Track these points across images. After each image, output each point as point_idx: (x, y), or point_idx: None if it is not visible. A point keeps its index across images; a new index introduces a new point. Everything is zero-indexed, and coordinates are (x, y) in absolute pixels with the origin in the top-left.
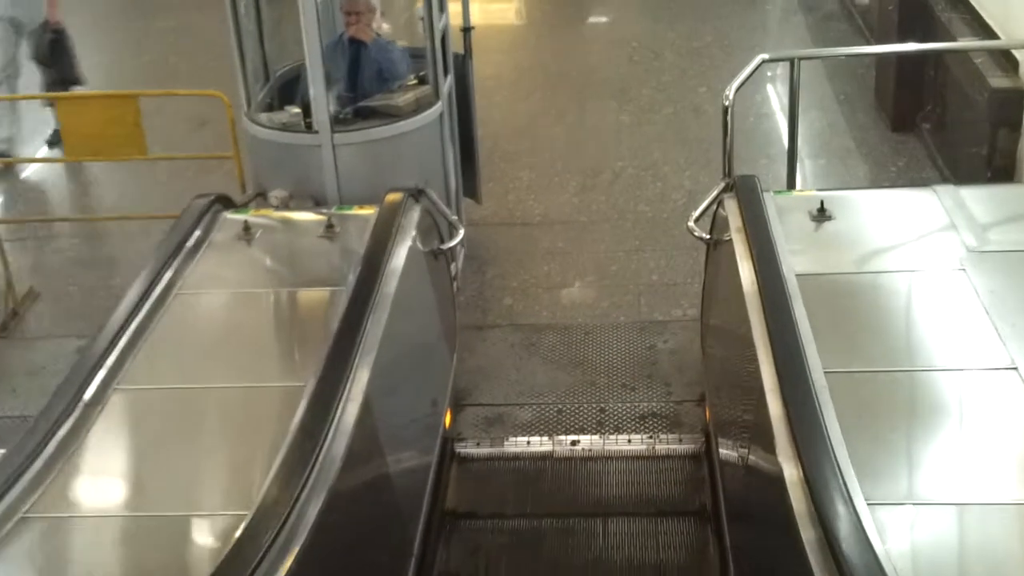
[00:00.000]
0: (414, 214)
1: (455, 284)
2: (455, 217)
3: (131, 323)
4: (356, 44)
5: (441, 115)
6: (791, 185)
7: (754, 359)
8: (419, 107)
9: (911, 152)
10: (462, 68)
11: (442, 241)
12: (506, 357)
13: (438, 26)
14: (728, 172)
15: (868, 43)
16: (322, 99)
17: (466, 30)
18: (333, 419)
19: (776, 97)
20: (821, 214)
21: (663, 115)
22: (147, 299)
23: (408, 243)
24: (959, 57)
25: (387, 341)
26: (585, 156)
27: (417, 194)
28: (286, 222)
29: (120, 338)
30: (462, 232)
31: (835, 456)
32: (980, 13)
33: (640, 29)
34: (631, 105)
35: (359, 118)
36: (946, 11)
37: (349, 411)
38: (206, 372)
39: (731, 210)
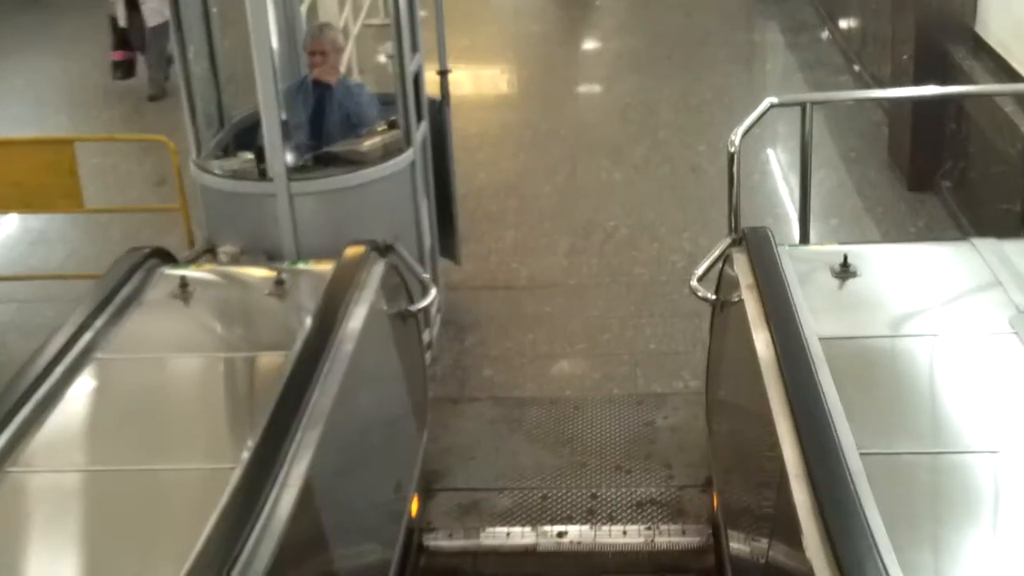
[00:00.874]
0: (378, 270)
1: (429, 352)
2: (427, 275)
3: (35, 392)
4: (321, 87)
5: (413, 164)
6: (804, 241)
7: (773, 438)
8: (387, 154)
9: (931, 212)
10: (438, 115)
11: (411, 302)
12: (484, 435)
13: (410, 65)
14: (734, 226)
15: (876, 84)
16: (277, 142)
17: (443, 73)
18: (262, 509)
19: (781, 155)
20: (845, 270)
21: (659, 173)
22: (58, 364)
23: (369, 302)
24: (986, 107)
25: (338, 415)
26: (576, 215)
27: (384, 249)
28: (231, 278)
29: (18, 411)
30: (434, 292)
31: (879, 554)
32: (1007, 60)
33: (634, 87)
34: (625, 163)
35: (320, 165)
36: (967, 58)
37: (284, 499)
38: (118, 451)
39: (741, 266)
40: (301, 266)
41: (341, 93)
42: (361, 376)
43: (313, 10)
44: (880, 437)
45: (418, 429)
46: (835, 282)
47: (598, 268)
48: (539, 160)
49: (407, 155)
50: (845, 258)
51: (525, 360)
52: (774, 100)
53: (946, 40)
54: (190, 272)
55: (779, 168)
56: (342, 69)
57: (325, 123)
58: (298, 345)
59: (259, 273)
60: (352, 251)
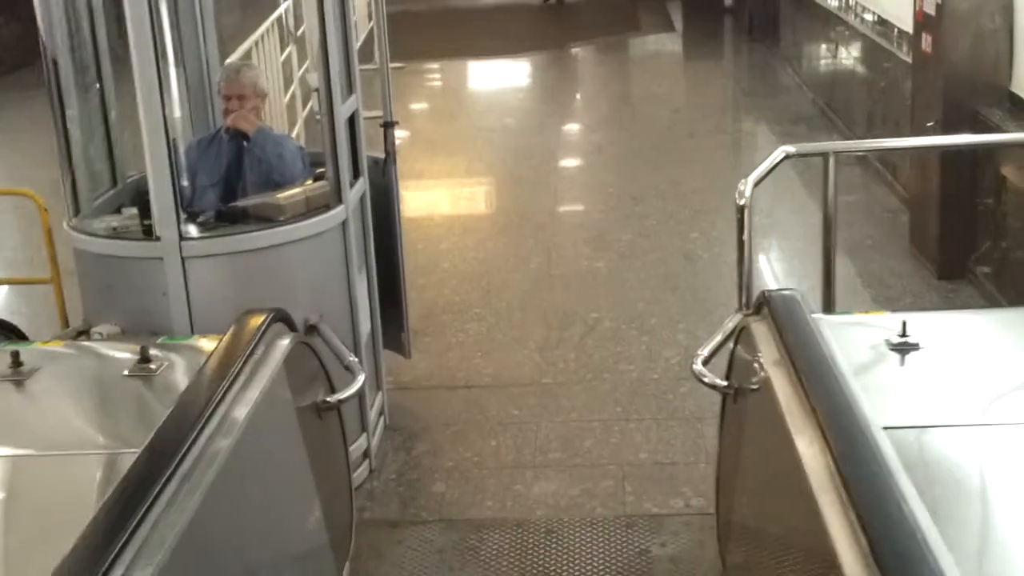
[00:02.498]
0: (281, 346)
1: (366, 463)
2: (354, 358)
3: None
4: (237, 138)
5: (345, 226)
6: (828, 312)
7: (834, 572)
8: (311, 210)
9: (966, 301)
10: (382, 177)
11: (332, 391)
12: (431, 568)
13: (340, 105)
14: (747, 295)
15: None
16: (166, 188)
17: (387, 125)
18: None
19: (781, 218)
20: (904, 342)
21: (648, 261)
22: None
23: (265, 387)
24: None
25: (198, 539)
26: (551, 306)
27: (308, 328)
28: (84, 355)
29: None
30: (361, 379)
31: None
32: None
33: (617, 176)
34: (609, 251)
35: (225, 222)
36: (1005, 120)
37: None
38: None
39: (763, 340)
40: (179, 342)
41: (260, 144)
42: (243, 486)
43: (249, 55)
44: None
45: (336, 561)
46: (893, 356)
47: (577, 364)
48: (510, 249)
49: (336, 213)
50: (904, 326)
51: (486, 472)
52: (789, 149)
53: (978, 102)
54: (28, 348)
55: (778, 234)
56: (269, 120)
57: (241, 179)
58: (147, 442)
59: (123, 349)
60: (247, 320)
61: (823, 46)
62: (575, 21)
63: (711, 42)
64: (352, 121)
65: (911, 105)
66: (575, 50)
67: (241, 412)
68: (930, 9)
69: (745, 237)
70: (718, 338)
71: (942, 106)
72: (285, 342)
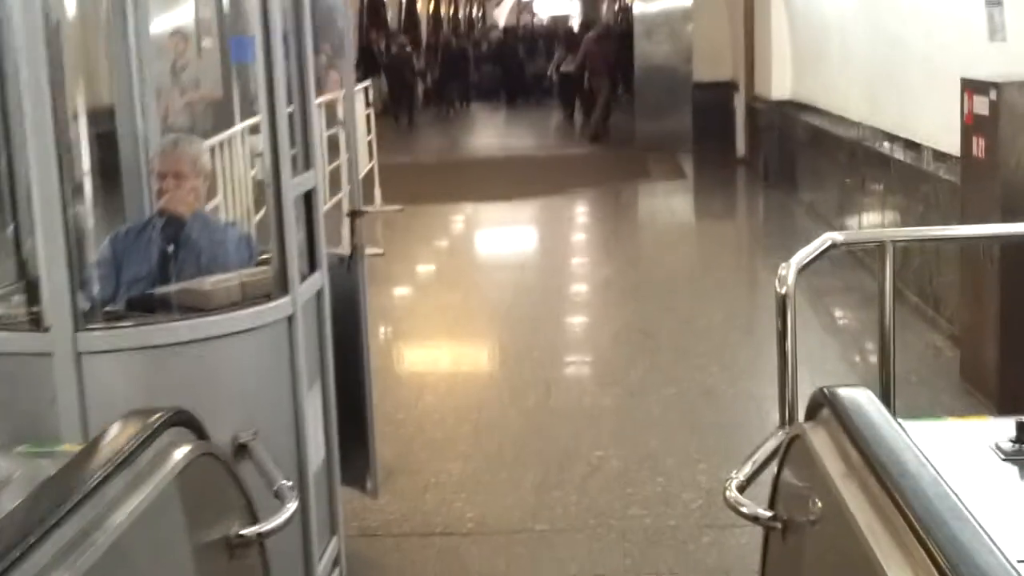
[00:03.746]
0: (176, 457)
1: None
2: (287, 481)
3: None
4: (172, 223)
5: (291, 323)
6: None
7: None
8: (248, 299)
9: None
10: (346, 279)
11: (254, 522)
12: None
13: (290, 178)
14: (789, 407)
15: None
16: (58, 268)
17: (354, 215)
18: None
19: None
20: (1020, 448)
21: (662, 397)
22: None
23: (137, 508)
24: None
25: None
26: (549, 445)
27: (237, 449)
28: None
29: None
30: (292, 507)
31: None
32: None
33: (626, 312)
34: (616, 386)
35: (138, 311)
36: None
37: None
38: None
39: (825, 450)
40: (45, 449)
41: (197, 229)
42: None
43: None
44: None
45: None
46: (1008, 468)
47: (578, 509)
48: (503, 383)
49: (280, 305)
50: (1020, 430)
51: None
52: (836, 237)
53: None
54: None
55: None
56: (208, 203)
57: (175, 270)
58: None
59: None
60: (131, 420)
61: (846, 180)
62: (582, 168)
63: (724, 189)
64: (309, 201)
65: (961, 217)
66: (581, 193)
67: (98, 541)
68: (981, 109)
69: (788, 333)
70: (759, 456)
71: (1000, 212)
72: (183, 452)
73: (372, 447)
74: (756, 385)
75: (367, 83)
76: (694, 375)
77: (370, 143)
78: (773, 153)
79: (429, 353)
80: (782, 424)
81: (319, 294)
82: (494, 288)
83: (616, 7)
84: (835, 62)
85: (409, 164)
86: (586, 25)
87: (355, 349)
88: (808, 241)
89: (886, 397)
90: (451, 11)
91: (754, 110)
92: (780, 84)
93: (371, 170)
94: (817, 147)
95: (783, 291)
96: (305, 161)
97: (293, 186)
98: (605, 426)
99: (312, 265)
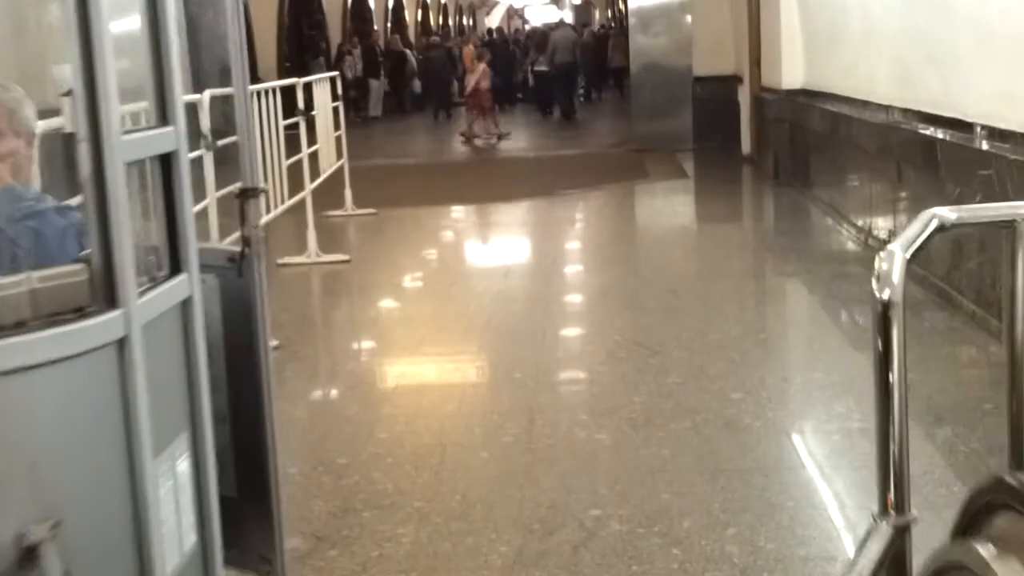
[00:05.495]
0: None
1: None
2: None
3: None
4: None
5: (123, 349)
6: None
7: None
8: (40, 316)
9: None
10: (235, 285)
11: None
12: None
13: (116, 128)
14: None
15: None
16: None
17: (245, 192)
18: None
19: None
20: None
21: (672, 432)
22: None
23: None
24: None
25: None
26: (529, 499)
27: (24, 554)
28: None
29: None
30: None
31: None
32: None
33: (625, 322)
34: (615, 417)
35: None
36: None
37: None
38: None
39: None
40: None
41: (6, 207)
42: None
43: None
44: None
45: None
46: None
47: None
48: (476, 414)
49: (102, 324)
50: None
51: None
52: (946, 215)
53: None
54: None
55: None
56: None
57: None
58: None
59: None
60: None
61: (874, 172)
62: (575, 168)
63: (730, 188)
64: (167, 168)
65: None
66: (573, 195)
67: None
68: None
69: (894, 360)
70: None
71: None
72: None
73: (276, 513)
74: (788, 415)
75: (334, 73)
76: (711, 403)
77: (338, 139)
78: (783, 148)
79: (387, 378)
80: (884, 513)
81: (184, 306)
82: (472, 297)
83: (610, 12)
84: (855, 41)
85: (386, 167)
86: (554, 27)
87: (252, 380)
88: (830, 243)
89: (1018, 451)
90: (440, 20)
91: (761, 103)
92: (791, 72)
93: (340, 169)
94: (836, 138)
95: (886, 294)
96: (160, 112)
97: (127, 145)
98: (602, 471)
99: (175, 265)
